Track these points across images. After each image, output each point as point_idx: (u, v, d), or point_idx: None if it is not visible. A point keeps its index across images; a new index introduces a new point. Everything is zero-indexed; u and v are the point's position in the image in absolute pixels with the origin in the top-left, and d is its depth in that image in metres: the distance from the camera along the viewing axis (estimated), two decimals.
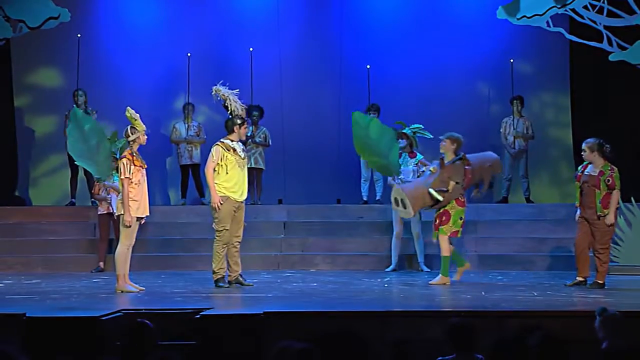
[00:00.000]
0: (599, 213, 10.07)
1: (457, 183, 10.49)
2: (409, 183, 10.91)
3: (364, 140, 11.35)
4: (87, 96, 14.12)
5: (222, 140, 10.45)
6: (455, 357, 5.70)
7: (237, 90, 10.61)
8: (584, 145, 10.26)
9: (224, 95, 10.45)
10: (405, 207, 10.60)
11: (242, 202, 10.40)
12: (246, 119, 10.68)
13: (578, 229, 10.26)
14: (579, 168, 10.39)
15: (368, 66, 14.24)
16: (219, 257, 10.30)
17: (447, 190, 10.46)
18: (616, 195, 10.11)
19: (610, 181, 10.07)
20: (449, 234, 10.59)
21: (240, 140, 10.60)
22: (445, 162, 10.59)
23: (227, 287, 10.21)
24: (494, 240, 12.98)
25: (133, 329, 5.42)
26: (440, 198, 10.45)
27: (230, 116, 10.46)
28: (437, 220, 10.61)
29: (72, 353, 7.09)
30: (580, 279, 10.18)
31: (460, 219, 10.60)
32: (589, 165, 10.21)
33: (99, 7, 15.36)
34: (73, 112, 11.75)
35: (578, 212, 10.28)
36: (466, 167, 10.55)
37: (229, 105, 10.43)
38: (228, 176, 10.32)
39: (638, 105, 13.84)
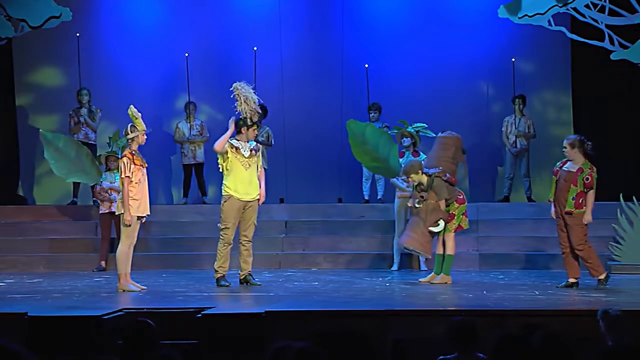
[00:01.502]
0: (568, 209, 9.98)
1: (446, 200, 10.56)
2: (408, 230, 10.79)
3: (362, 147, 11.44)
4: (91, 95, 14.11)
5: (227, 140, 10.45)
6: (457, 356, 5.70)
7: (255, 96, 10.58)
8: (565, 142, 10.19)
9: (238, 95, 10.42)
10: (419, 252, 10.83)
11: (249, 201, 10.37)
12: (258, 122, 10.59)
13: (558, 229, 10.15)
14: (558, 164, 10.28)
15: (366, 65, 14.22)
16: (220, 255, 10.31)
17: (442, 217, 10.51)
18: (592, 195, 9.97)
19: (589, 179, 9.95)
20: (453, 231, 10.63)
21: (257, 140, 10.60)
22: (421, 190, 10.55)
23: (228, 285, 10.21)
24: (495, 239, 12.97)
25: (135, 328, 5.42)
26: (442, 225, 10.53)
27: (242, 115, 10.43)
28: None
29: (73, 352, 7.09)
30: (572, 280, 10.12)
31: (463, 214, 10.67)
32: (568, 162, 10.14)
33: (101, 6, 15.35)
34: (42, 135, 11.74)
35: (552, 209, 10.20)
36: (444, 178, 10.56)
37: (238, 106, 10.42)
38: (230, 176, 10.32)
39: (639, 104, 13.83)
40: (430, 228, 10.51)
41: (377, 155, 11.64)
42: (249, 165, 10.38)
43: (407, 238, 10.71)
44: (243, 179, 10.32)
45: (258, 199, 10.43)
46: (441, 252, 10.68)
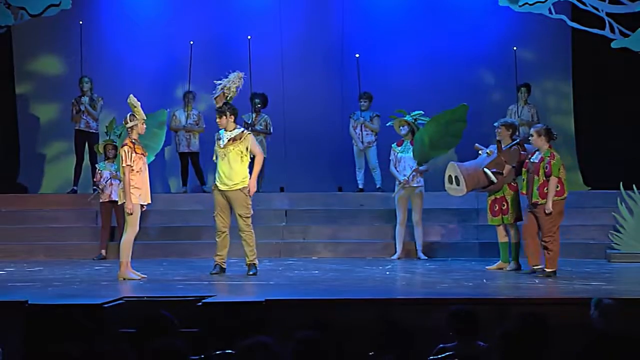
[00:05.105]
0: (534, 199, 10.01)
1: (512, 167, 10.59)
2: (464, 163, 10.93)
3: (440, 128, 11.38)
4: (92, 83, 14.07)
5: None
6: (457, 345, 5.71)
7: (235, 74, 10.55)
8: (531, 130, 10.26)
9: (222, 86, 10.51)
10: (458, 185, 10.70)
11: (225, 191, 10.29)
12: (224, 109, 10.36)
13: (525, 218, 10.29)
14: (529, 155, 10.36)
15: (357, 55, 14.18)
16: (217, 244, 10.35)
17: (502, 173, 10.57)
18: (553, 182, 9.93)
19: (548, 168, 9.97)
20: (513, 221, 10.71)
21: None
22: (503, 146, 10.65)
23: (214, 273, 10.26)
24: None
25: (155, 319, 5.36)
26: (494, 179, 10.60)
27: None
28: (497, 207, 10.73)
29: (73, 340, 7.09)
30: (534, 267, 10.18)
31: (517, 203, 10.72)
32: (536, 152, 10.16)
33: None
34: (164, 113, 11.67)
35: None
36: (522, 152, 10.62)
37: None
38: (216, 165, 10.38)
39: (639, 92, 13.82)
40: (486, 169, 10.56)
41: (434, 143, 11.61)
42: (225, 155, 10.31)
43: (458, 164, 10.78)
44: (220, 168, 10.34)
45: (241, 189, 10.27)
46: (505, 241, 10.79)
